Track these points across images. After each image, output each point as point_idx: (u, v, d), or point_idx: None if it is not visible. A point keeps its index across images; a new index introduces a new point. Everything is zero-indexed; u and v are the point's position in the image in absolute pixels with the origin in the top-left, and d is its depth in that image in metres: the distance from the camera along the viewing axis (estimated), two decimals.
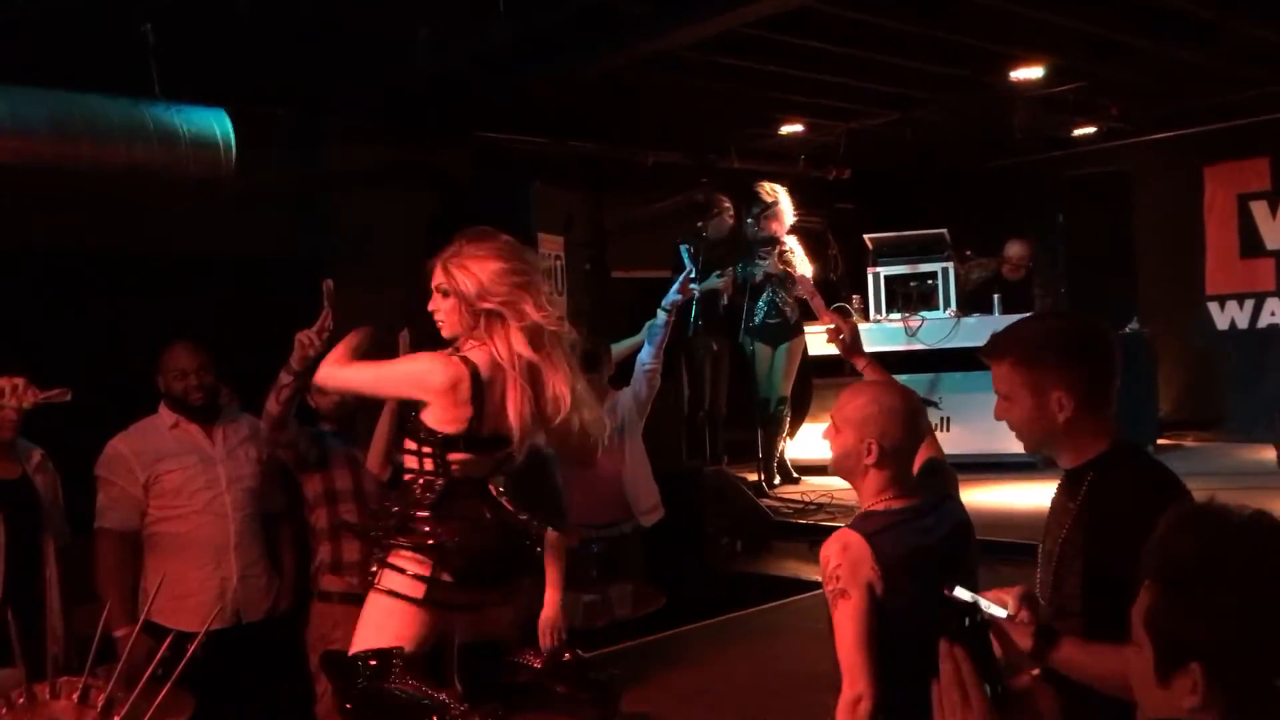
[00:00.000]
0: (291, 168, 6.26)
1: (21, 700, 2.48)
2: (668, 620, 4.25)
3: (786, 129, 8.34)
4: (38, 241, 5.25)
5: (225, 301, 5.54)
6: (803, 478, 7.76)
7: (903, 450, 2.47)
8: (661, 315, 5.10)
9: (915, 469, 2.54)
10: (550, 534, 3.85)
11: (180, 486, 4.00)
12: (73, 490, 3.91)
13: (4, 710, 2.46)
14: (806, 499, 7.02)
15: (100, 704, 2.49)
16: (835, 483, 6.81)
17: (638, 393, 5.08)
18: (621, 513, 4.95)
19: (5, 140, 4.44)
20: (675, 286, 5.16)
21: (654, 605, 4.53)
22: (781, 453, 7.86)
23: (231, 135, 4.93)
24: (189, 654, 2.72)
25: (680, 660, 3.67)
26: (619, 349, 5.36)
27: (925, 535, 2.42)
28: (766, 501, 7.19)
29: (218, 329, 4.45)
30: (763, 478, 7.61)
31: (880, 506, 2.44)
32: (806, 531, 6.09)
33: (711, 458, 7.60)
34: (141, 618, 3.15)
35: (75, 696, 2.51)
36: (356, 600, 3.99)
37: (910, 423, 2.48)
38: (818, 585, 4.78)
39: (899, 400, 2.50)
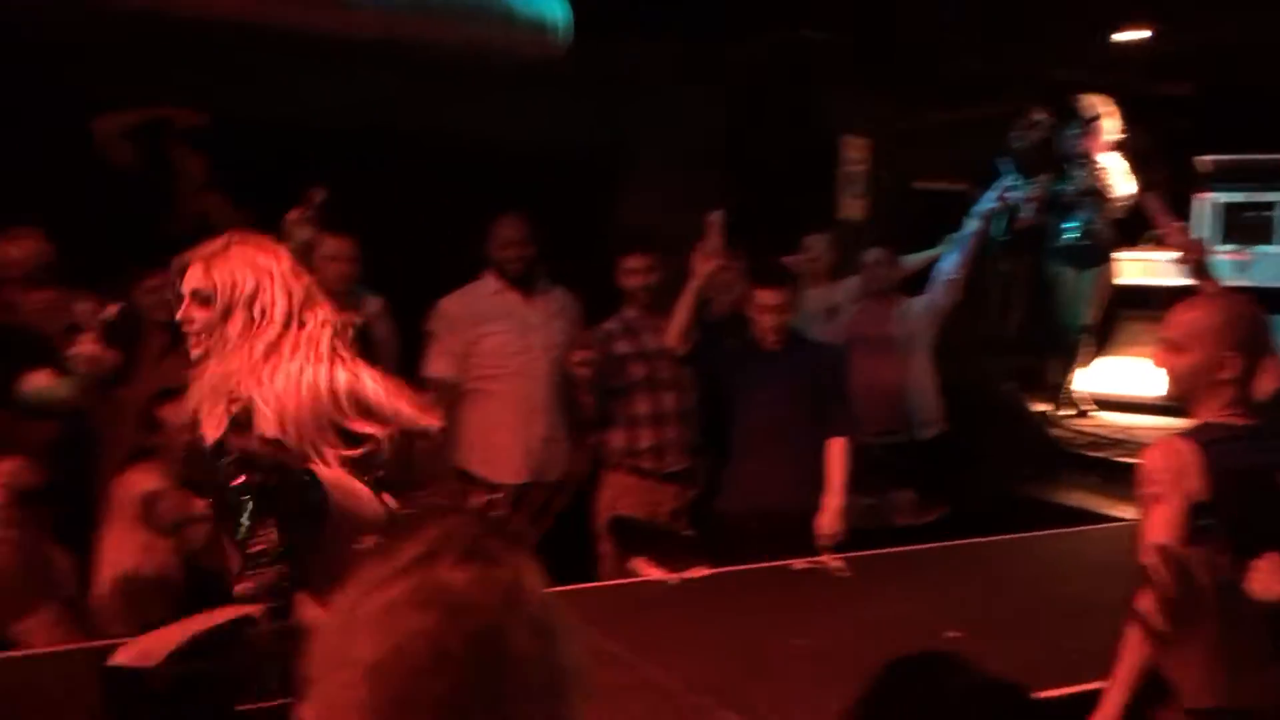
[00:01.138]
0: (594, 59, 6.37)
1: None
2: (946, 533, 4.23)
3: (1126, 35, 7.69)
4: (384, 120, 5.65)
5: (522, 190, 5.82)
6: (1090, 412, 7.39)
7: (1253, 364, 2.29)
8: (972, 223, 4.95)
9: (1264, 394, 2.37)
10: (835, 440, 3.93)
11: (499, 348, 4.32)
12: (410, 347, 4.32)
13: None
14: (1100, 432, 6.70)
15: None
16: (1128, 419, 6.47)
17: (933, 302, 4.99)
18: (901, 422, 4.93)
19: (363, 15, 4.81)
20: (992, 194, 4.98)
21: (933, 515, 4.51)
22: (1069, 384, 7.50)
23: (567, 16, 5.13)
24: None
25: (960, 572, 3.65)
26: (914, 260, 5.27)
27: (1266, 456, 2.27)
28: (1057, 431, 6.91)
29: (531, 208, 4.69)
30: (1054, 407, 7.32)
31: (1221, 419, 2.30)
32: (1098, 466, 5.83)
33: (997, 381, 7.34)
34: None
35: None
36: (645, 475, 4.24)
37: (1264, 333, 2.32)
38: (1108, 519, 4.63)
39: (1251, 309, 2.35)
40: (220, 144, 4.75)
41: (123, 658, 2.10)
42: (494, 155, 5.61)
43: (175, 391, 3.78)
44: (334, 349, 2.42)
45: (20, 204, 3.92)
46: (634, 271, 4.35)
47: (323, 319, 2.44)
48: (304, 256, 4.03)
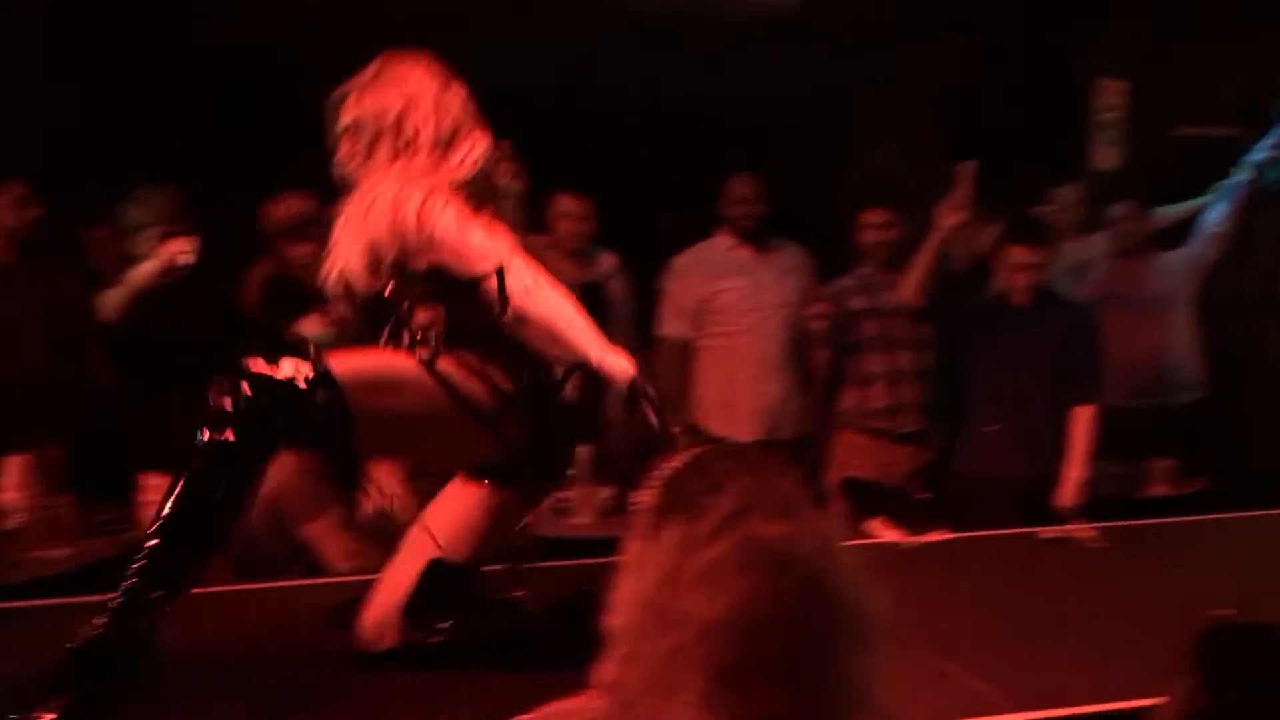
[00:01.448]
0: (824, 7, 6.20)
1: None
2: (1205, 507, 3.94)
3: None
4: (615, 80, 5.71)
5: (765, 137, 5.75)
6: None
7: None
8: (1243, 172, 4.56)
9: None
10: (1082, 407, 3.74)
11: (733, 305, 4.33)
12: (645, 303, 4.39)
13: None
14: None
15: None
16: None
17: (1194, 256, 4.64)
18: (1158, 386, 4.62)
19: None
20: (1269, 142, 4.57)
21: (1193, 486, 4.23)
22: None
23: None
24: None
25: (1225, 548, 3.40)
26: (1173, 212, 4.90)
27: None
28: None
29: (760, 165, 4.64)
30: None
31: None
32: None
33: (1264, 343, 6.78)
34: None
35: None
36: (879, 435, 4.16)
37: None
38: None
39: None
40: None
41: None
42: (723, 111, 5.59)
43: None
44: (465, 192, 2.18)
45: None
46: (871, 226, 4.26)
47: (474, 154, 2.23)
48: (512, 209, 4.15)
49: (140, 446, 3.66)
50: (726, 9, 5.10)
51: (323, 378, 1.97)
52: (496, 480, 2.28)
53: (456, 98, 2.25)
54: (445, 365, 2.15)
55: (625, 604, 0.91)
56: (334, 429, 1.99)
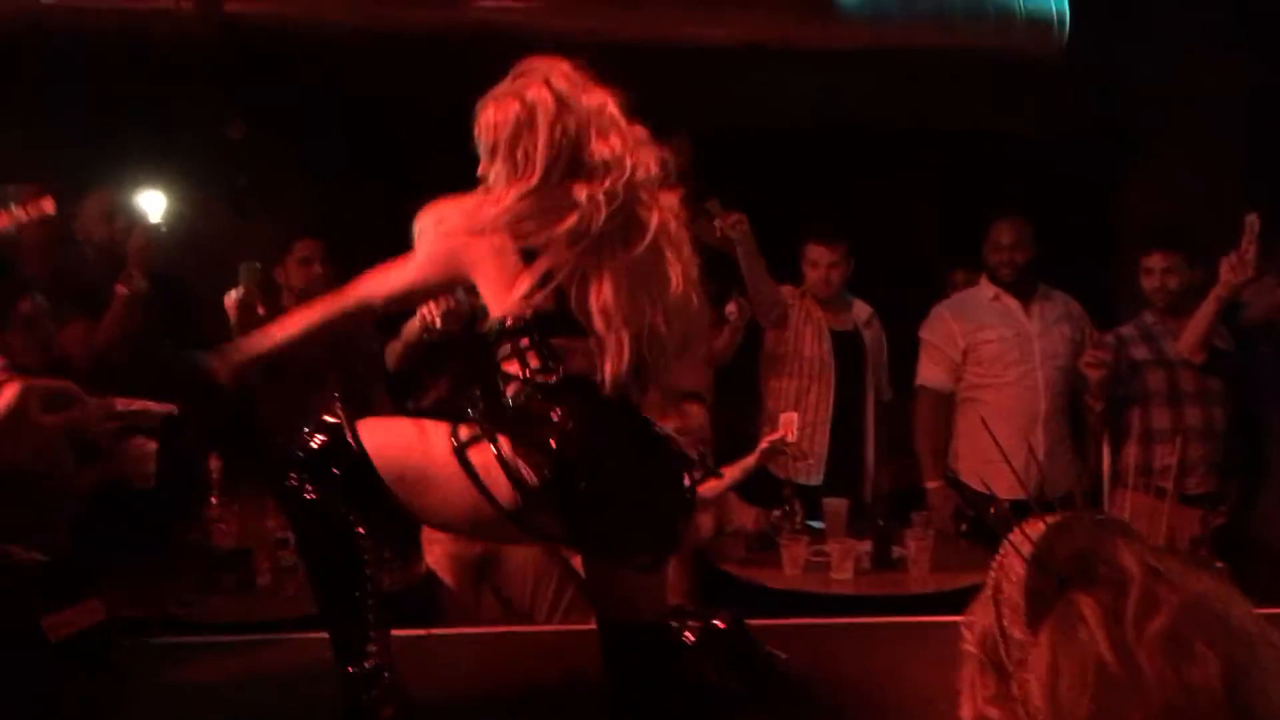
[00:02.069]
0: (1110, 40, 5.92)
1: None
2: None
3: None
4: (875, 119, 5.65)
5: (1033, 180, 5.53)
6: None
7: None
8: None
9: None
10: None
11: (997, 356, 4.15)
12: (903, 352, 4.27)
13: None
14: None
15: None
16: None
17: None
18: None
19: (859, 25, 4.86)
20: None
21: None
22: None
23: (1066, 10, 4.84)
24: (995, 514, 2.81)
25: None
26: None
27: None
28: None
29: (1027, 208, 4.46)
30: None
31: None
32: None
33: None
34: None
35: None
36: (1163, 496, 3.85)
37: None
38: None
39: None
40: (709, 150, 5.01)
41: None
42: (990, 149, 5.42)
43: (686, 395, 4.05)
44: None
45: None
46: (1152, 271, 3.99)
47: (609, 183, 1.88)
48: (742, 255, 4.08)
49: None
50: (994, 54, 4.94)
51: (343, 452, 1.91)
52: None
53: (588, 115, 1.93)
54: (475, 455, 1.89)
55: (1050, 687, 0.86)
56: (370, 495, 1.91)
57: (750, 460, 3.73)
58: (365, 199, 4.97)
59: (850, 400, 4.31)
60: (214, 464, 3.62)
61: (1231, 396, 3.90)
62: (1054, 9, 4.88)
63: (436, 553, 3.25)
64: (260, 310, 3.70)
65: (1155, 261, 3.98)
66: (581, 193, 1.87)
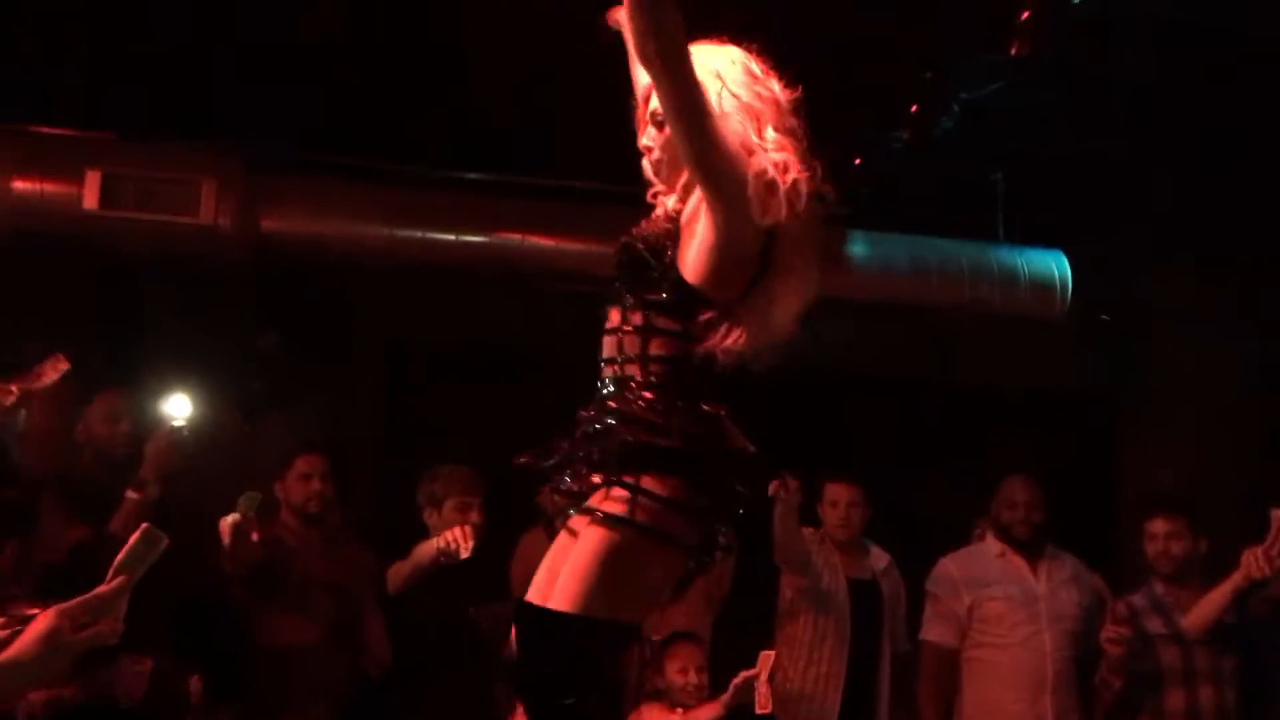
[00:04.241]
0: (1112, 303, 6.12)
1: None
2: None
3: None
4: (878, 370, 5.78)
5: (1038, 436, 5.61)
6: None
7: None
8: None
9: None
10: None
11: (1002, 615, 4.08)
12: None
13: None
14: None
15: None
16: None
17: None
18: None
19: (869, 279, 5.04)
20: None
21: None
22: None
23: (1069, 277, 5.03)
24: None
25: None
26: None
27: None
28: None
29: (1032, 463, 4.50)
30: None
31: None
32: None
33: None
34: None
35: None
36: None
37: None
38: None
39: None
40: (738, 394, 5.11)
41: None
42: (993, 402, 5.52)
43: (682, 636, 3.96)
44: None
45: None
46: (1156, 537, 3.96)
47: (779, 157, 1.81)
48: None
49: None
50: (999, 313, 5.11)
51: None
52: None
53: (766, 83, 1.88)
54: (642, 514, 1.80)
55: None
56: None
57: (724, 699, 3.64)
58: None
59: (865, 652, 4.20)
60: (194, 685, 3.50)
61: (1241, 675, 3.82)
62: (1057, 274, 5.07)
63: None
64: (254, 536, 3.67)
65: (1158, 526, 3.97)
66: None
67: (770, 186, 1.78)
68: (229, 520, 3.56)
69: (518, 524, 4.02)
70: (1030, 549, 4.17)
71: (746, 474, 1.90)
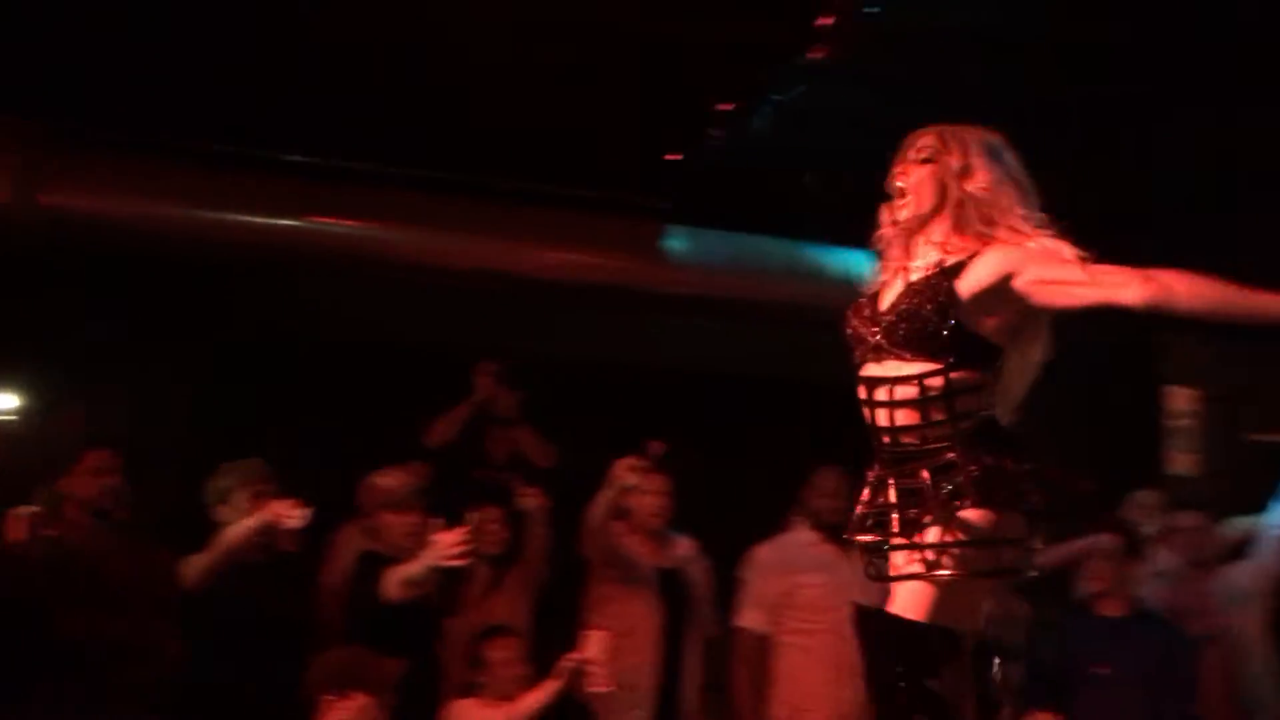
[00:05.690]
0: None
1: None
2: None
3: None
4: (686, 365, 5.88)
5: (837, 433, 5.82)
6: None
7: None
8: None
9: None
10: None
11: (813, 601, 4.21)
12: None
13: None
14: None
15: None
16: None
17: (1261, 568, 4.43)
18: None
19: (687, 274, 5.14)
20: None
21: None
22: None
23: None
24: None
25: None
26: (1243, 526, 4.71)
27: None
28: None
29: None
30: None
31: None
32: None
33: None
34: None
35: None
36: None
37: None
38: None
39: None
40: (544, 384, 5.13)
41: None
42: (807, 398, 5.68)
43: (500, 629, 3.95)
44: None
45: None
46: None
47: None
48: (623, 501, 4.19)
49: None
50: (809, 309, 5.28)
51: None
52: None
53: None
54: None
55: None
56: None
57: (550, 684, 3.63)
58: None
59: (674, 639, 4.27)
60: None
61: None
62: (862, 272, 5.27)
63: None
64: (51, 531, 3.47)
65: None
66: None
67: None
68: (22, 511, 3.37)
69: (328, 522, 3.96)
70: (841, 536, 4.31)
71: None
